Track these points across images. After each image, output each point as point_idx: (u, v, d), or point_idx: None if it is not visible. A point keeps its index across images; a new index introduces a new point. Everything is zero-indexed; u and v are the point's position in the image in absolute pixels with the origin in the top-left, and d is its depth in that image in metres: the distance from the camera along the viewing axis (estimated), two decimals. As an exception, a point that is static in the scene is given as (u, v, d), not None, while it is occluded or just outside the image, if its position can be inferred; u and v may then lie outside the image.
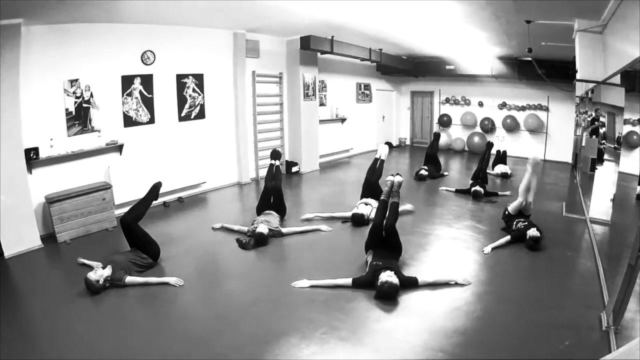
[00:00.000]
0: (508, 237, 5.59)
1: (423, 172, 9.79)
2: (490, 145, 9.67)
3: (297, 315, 3.87)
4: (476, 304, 4.05)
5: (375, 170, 7.35)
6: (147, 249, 5.01)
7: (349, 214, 6.63)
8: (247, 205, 7.80)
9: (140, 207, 5.16)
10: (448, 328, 3.63)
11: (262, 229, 5.72)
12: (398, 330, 3.63)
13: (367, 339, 3.53)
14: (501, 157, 10.56)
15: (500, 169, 10.16)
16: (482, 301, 4.11)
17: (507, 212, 6.17)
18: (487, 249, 5.41)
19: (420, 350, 3.34)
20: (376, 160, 7.47)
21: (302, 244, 5.79)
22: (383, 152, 7.62)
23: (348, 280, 4.38)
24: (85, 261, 5.06)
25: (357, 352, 3.35)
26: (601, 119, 8.24)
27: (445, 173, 10.37)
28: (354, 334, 3.59)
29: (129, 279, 4.53)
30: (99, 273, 4.37)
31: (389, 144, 15.17)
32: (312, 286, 4.41)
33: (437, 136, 11.12)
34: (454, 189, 8.48)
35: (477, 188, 8.02)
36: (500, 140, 10.10)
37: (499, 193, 8.20)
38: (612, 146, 7.02)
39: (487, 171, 9.05)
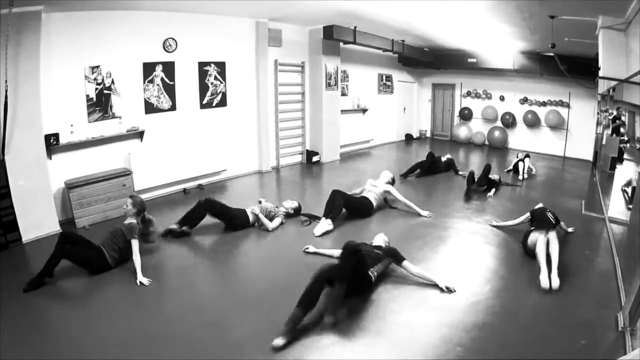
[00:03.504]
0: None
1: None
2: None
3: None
4: (495, 300, 4.09)
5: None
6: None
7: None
8: (267, 193, 7.85)
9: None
10: (467, 322, 3.67)
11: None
12: (417, 323, 3.68)
13: (386, 330, 3.59)
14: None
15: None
16: (501, 297, 4.15)
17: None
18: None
19: (439, 343, 3.39)
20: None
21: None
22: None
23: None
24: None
25: (376, 343, 3.41)
26: (622, 117, 8.16)
27: (462, 173, 9.49)
28: (374, 324, 3.66)
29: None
30: None
31: (409, 135, 15.20)
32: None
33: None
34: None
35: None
36: (521, 160, 9.76)
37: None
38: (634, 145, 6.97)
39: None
